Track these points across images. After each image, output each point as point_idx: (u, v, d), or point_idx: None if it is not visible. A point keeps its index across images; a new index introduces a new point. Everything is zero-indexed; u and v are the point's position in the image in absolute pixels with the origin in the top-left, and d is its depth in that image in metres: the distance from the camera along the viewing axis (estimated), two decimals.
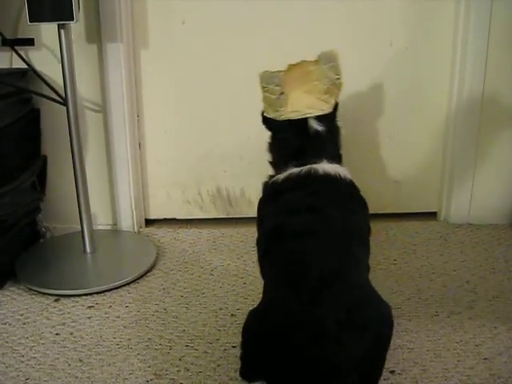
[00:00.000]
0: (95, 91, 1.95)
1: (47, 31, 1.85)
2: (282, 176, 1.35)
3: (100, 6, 1.83)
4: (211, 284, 1.70)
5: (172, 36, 1.94)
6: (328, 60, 1.37)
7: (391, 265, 1.79)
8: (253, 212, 2.11)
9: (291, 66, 1.40)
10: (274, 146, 1.46)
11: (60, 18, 1.55)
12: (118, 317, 1.54)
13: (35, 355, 1.38)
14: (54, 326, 1.50)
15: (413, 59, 1.98)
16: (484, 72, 1.92)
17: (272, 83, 1.36)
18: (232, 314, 1.54)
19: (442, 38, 1.96)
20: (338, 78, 1.38)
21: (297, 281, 1.12)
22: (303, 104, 1.36)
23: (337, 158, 1.40)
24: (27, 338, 1.45)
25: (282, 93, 1.36)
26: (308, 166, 1.32)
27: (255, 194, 2.08)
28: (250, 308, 1.53)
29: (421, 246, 1.90)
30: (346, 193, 1.33)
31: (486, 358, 1.34)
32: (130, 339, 1.44)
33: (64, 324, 1.51)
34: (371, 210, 2.15)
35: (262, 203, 1.41)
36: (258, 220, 1.40)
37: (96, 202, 1.94)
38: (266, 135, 2.02)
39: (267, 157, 1.47)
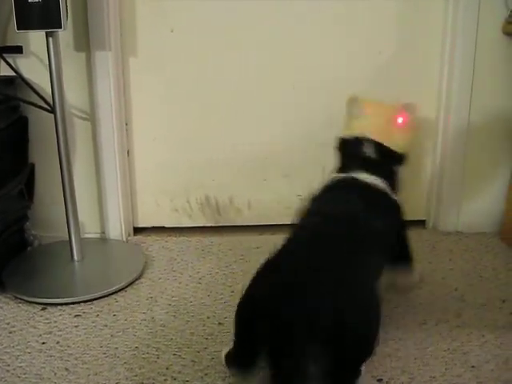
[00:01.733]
0: (83, 99, 1.94)
1: (35, 39, 1.85)
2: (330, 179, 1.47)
3: (88, 14, 1.83)
4: (199, 292, 1.70)
5: (161, 44, 1.95)
6: (407, 109, 1.49)
7: None
8: (241, 220, 2.13)
9: (374, 103, 1.53)
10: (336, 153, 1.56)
11: (48, 25, 1.55)
12: (106, 325, 1.53)
13: (21, 364, 1.36)
14: (40, 335, 1.49)
15: (401, 68, 1.99)
16: (472, 78, 1.94)
17: (354, 106, 1.50)
18: (220, 323, 1.53)
19: (431, 47, 1.97)
20: (407, 131, 1.51)
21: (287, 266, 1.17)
22: (368, 129, 1.47)
23: (381, 174, 1.45)
24: (13, 346, 1.44)
25: (358, 116, 1.50)
26: (349, 175, 1.44)
27: (243, 202, 2.09)
28: None
29: None
30: (375, 200, 1.39)
31: (473, 366, 1.34)
32: (116, 348, 1.43)
33: (50, 333, 1.50)
34: None
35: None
36: None
37: (84, 210, 1.93)
38: (254, 144, 2.04)
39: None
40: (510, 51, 1.92)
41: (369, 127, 1.47)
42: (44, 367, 1.35)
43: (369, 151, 1.45)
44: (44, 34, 1.61)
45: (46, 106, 1.74)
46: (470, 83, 1.94)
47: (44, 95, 1.78)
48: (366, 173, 1.43)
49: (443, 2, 1.93)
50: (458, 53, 1.91)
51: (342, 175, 1.46)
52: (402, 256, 1.51)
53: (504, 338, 1.45)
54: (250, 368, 1.19)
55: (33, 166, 1.97)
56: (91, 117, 1.95)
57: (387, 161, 1.48)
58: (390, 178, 1.48)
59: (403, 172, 1.52)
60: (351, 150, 1.49)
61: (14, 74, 1.82)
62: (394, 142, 1.47)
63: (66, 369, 1.35)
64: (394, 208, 1.44)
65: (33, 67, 1.88)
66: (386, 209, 1.41)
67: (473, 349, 1.40)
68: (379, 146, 1.45)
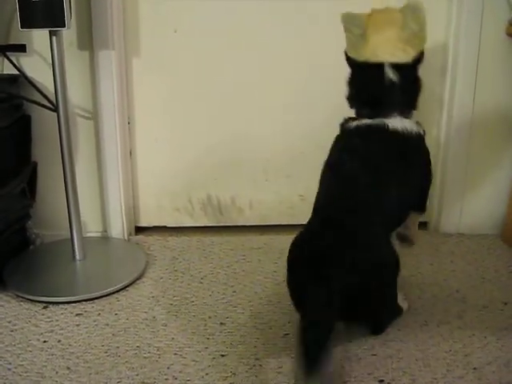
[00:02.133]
0: (86, 98, 1.94)
1: (39, 37, 1.85)
2: (353, 124, 1.44)
3: (92, 13, 1.83)
4: (200, 292, 1.69)
5: (164, 44, 1.95)
6: (412, 10, 1.38)
7: None
8: (242, 220, 2.13)
9: (374, 11, 1.44)
10: (351, 84, 1.49)
11: (52, 24, 1.55)
12: (107, 324, 1.53)
13: (22, 363, 1.37)
14: (41, 334, 1.49)
15: None
16: (475, 79, 1.93)
17: (353, 24, 1.41)
18: (221, 323, 1.53)
19: (434, 48, 1.97)
20: (421, 31, 1.39)
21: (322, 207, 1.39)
22: (381, 49, 1.39)
23: (408, 110, 1.43)
24: (14, 345, 1.44)
25: (362, 34, 1.40)
26: (379, 120, 1.39)
27: (245, 202, 2.09)
28: (240, 316, 1.55)
29: (411, 256, 1.90)
30: (408, 149, 1.42)
31: (475, 368, 1.34)
32: (118, 347, 1.43)
33: (52, 331, 1.50)
34: None
35: (334, 141, 1.50)
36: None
37: (86, 209, 1.93)
38: (256, 144, 2.04)
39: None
40: None
41: (379, 47, 1.40)
42: (45, 366, 1.35)
43: (392, 77, 1.38)
44: (47, 32, 1.61)
45: (49, 104, 1.74)
46: (473, 84, 1.93)
47: (47, 94, 1.78)
48: (398, 116, 1.40)
49: (446, 4, 1.93)
50: (461, 54, 1.91)
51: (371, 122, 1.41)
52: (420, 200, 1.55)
53: (506, 340, 1.45)
54: None
55: (35, 164, 1.97)
56: (94, 116, 1.95)
57: (412, 85, 1.44)
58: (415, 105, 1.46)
59: None
60: (372, 81, 1.42)
61: (17, 72, 1.82)
62: (409, 55, 1.40)
63: (68, 367, 1.35)
64: (425, 156, 1.49)
65: (36, 66, 1.89)
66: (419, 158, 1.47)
67: (474, 351, 1.40)
68: (401, 69, 1.38)
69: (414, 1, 1.38)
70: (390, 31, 1.39)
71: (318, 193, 1.43)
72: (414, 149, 1.43)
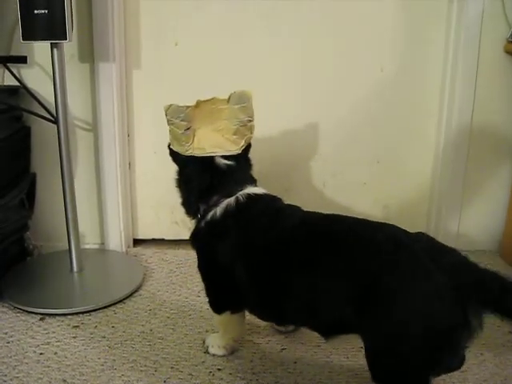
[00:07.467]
0: (86, 110, 1.95)
1: (40, 49, 1.86)
2: (218, 212, 1.34)
3: (93, 26, 1.85)
4: (198, 306, 1.69)
5: (164, 57, 1.96)
6: (239, 100, 1.36)
7: None
8: None
9: (201, 102, 1.36)
10: (181, 182, 1.43)
11: (53, 36, 1.56)
12: (104, 337, 1.53)
13: (18, 375, 1.36)
14: (38, 346, 1.48)
15: (402, 85, 2.00)
16: (473, 96, 1.94)
17: (178, 117, 1.33)
18: None
19: (433, 64, 1.98)
20: (250, 120, 1.38)
21: None
22: (209, 142, 1.34)
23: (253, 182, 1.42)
24: (10, 357, 1.43)
25: (188, 128, 1.33)
26: (244, 192, 1.35)
27: None
28: None
29: None
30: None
31: None
32: (114, 360, 1.42)
33: (48, 343, 1.49)
34: None
35: (210, 244, 1.40)
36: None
37: (84, 221, 1.93)
38: (255, 158, 2.04)
39: (177, 196, 1.44)
40: (511, 70, 1.94)
41: (206, 140, 1.34)
42: (41, 378, 1.35)
43: (224, 168, 1.36)
44: (49, 44, 1.62)
45: (49, 116, 1.75)
46: (472, 101, 1.94)
47: (47, 105, 1.78)
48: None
49: (445, 21, 1.94)
50: (459, 71, 1.92)
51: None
52: None
53: (502, 356, 1.44)
54: None
55: (34, 175, 1.98)
56: (93, 128, 1.96)
57: (244, 170, 1.42)
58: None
59: None
60: (203, 175, 1.36)
61: (17, 83, 1.83)
62: (238, 146, 1.37)
63: (64, 380, 1.34)
64: None
65: (37, 77, 1.90)
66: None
67: (471, 367, 1.40)
68: (231, 160, 1.36)
69: (241, 91, 1.37)
70: (218, 123, 1.35)
71: None
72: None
